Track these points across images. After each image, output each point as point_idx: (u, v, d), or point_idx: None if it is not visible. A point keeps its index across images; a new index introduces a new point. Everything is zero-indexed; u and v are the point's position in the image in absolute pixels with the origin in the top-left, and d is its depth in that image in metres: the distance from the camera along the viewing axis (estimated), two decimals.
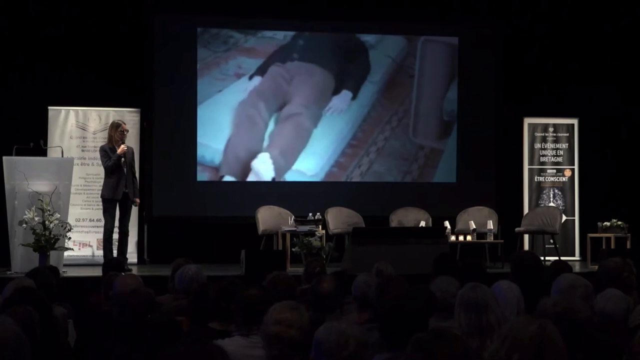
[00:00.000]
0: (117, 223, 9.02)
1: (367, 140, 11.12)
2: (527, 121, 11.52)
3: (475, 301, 3.59)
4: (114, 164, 8.84)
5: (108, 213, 8.93)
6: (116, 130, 8.98)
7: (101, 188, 9.06)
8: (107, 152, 8.91)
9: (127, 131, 9.17)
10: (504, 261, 9.73)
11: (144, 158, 10.29)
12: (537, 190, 11.48)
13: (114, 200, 8.90)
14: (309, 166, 10.96)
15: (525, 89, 11.42)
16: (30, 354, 2.59)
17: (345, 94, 11.06)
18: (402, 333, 3.19)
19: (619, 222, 9.99)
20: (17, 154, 8.70)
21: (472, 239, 10.14)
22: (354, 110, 11.08)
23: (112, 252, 8.86)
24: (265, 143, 10.81)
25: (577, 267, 9.68)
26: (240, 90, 10.78)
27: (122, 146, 8.90)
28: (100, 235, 9.34)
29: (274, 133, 10.84)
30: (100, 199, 9.10)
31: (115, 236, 9.00)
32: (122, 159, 8.88)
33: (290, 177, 10.91)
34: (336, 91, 11.05)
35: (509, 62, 11.36)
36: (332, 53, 11.05)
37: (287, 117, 10.89)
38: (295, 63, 10.94)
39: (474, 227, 10.15)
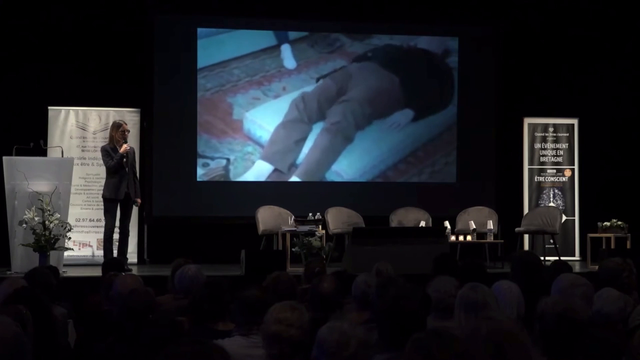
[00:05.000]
0: (117, 223, 9.03)
1: (425, 161, 11.23)
2: (527, 121, 11.51)
3: (475, 301, 3.59)
4: (116, 164, 8.84)
5: (109, 213, 8.93)
6: (117, 131, 8.98)
7: (101, 188, 9.07)
8: (109, 152, 8.91)
9: (128, 131, 9.17)
10: (504, 261, 9.74)
11: (144, 158, 10.29)
12: (537, 190, 11.47)
13: (116, 200, 8.89)
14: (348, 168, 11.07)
15: (525, 89, 11.42)
16: (30, 354, 2.58)
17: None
18: (400, 333, 3.19)
19: (619, 222, 9.98)
20: (17, 154, 8.70)
21: (472, 239, 10.14)
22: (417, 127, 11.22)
23: (112, 252, 8.86)
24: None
25: (577, 267, 9.67)
26: None
27: (125, 145, 8.91)
28: (100, 235, 9.34)
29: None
30: (100, 199, 9.11)
31: (116, 236, 9.01)
32: (125, 158, 8.88)
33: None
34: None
35: (509, 62, 11.36)
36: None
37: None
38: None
39: (474, 227, 10.15)
